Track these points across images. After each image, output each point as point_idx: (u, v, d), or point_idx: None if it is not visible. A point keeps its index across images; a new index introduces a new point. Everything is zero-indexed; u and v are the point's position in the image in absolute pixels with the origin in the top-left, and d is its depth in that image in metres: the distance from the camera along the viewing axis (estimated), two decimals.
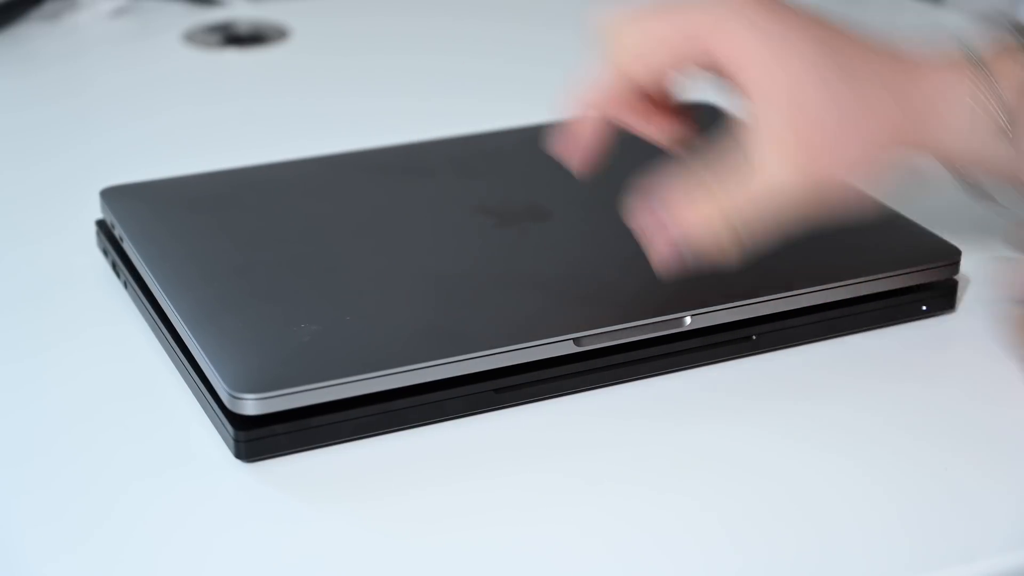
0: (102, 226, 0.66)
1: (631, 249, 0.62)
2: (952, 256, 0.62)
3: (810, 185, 0.54)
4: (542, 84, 0.90)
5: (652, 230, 0.55)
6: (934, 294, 0.62)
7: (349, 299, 0.58)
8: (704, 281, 0.59)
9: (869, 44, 0.55)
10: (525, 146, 0.72)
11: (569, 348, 0.56)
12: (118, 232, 0.63)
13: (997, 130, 0.55)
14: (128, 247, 0.62)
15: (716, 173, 0.54)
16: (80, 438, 0.54)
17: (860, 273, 0.61)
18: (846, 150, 0.54)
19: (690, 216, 0.54)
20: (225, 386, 0.52)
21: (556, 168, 0.71)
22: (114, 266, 0.64)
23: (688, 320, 0.57)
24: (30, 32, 0.96)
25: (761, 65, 0.53)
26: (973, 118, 0.55)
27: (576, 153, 0.58)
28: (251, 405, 0.52)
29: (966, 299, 0.64)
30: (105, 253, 0.66)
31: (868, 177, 0.55)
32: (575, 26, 1.01)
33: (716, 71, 0.54)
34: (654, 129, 0.58)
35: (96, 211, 0.66)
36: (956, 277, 0.63)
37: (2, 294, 0.65)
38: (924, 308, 0.62)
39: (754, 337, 0.59)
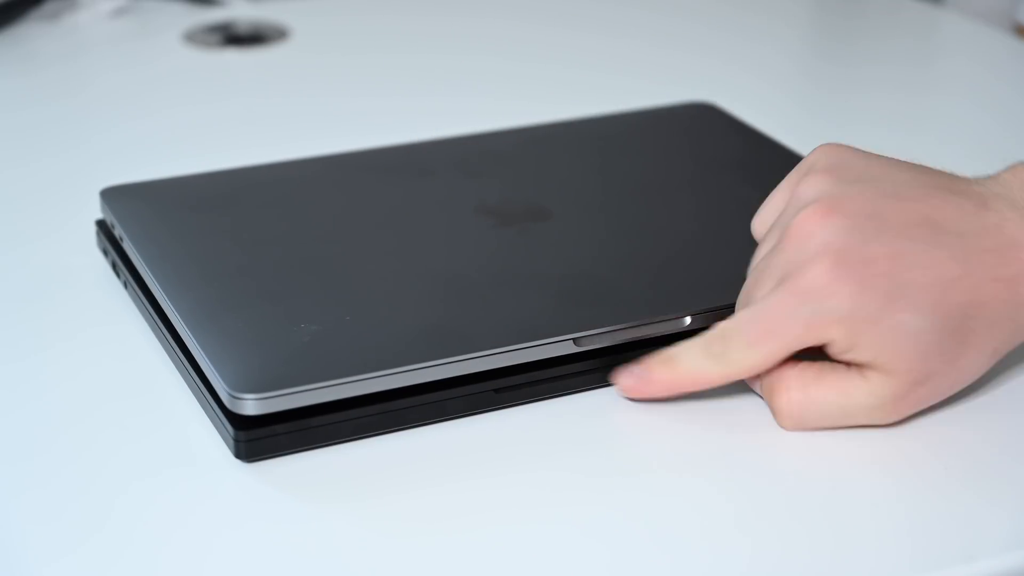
0: (102, 226, 0.66)
1: (631, 249, 0.62)
2: None
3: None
4: (543, 83, 0.91)
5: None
6: None
7: (349, 299, 0.58)
8: (705, 281, 0.59)
9: (983, 274, 0.53)
10: (525, 146, 0.72)
11: (569, 348, 0.56)
12: (118, 232, 0.63)
13: None
14: (128, 247, 0.62)
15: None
16: (80, 438, 0.54)
17: None
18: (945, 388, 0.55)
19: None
20: (225, 386, 0.52)
21: (556, 168, 0.71)
22: (114, 266, 0.64)
23: (688, 320, 0.57)
24: (30, 32, 0.96)
25: (887, 352, 0.53)
26: None
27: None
28: (251, 405, 0.52)
29: None
30: (105, 253, 0.66)
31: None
32: (575, 24, 1.01)
33: None
34: None
35: (96, 211, 0.66)
36: None
37: (2, 294, 0.65)
38: None
39: None
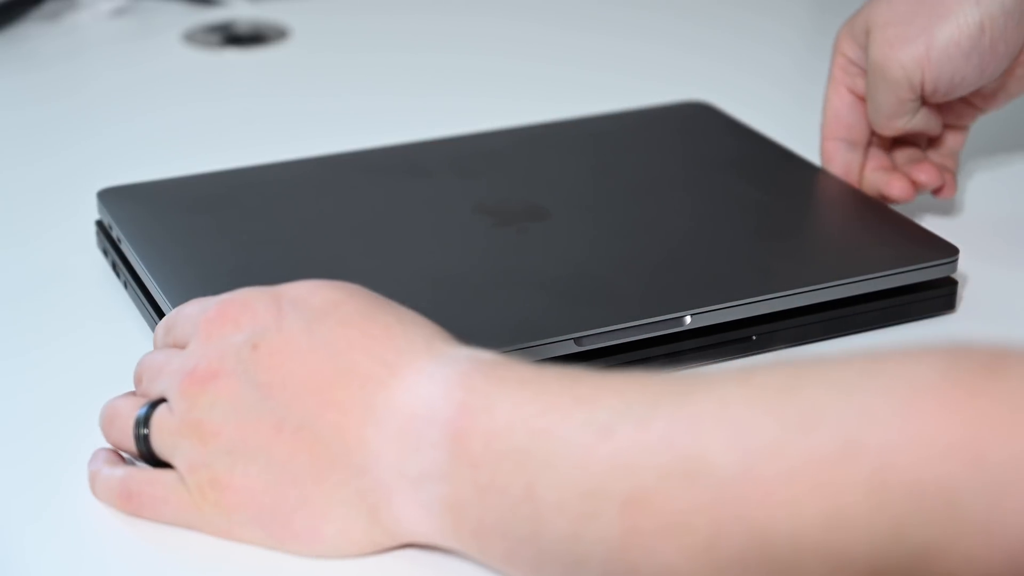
0: (101, 227, 0.66)
1: (631, 249, 0.62)
2: (950, 254, 0.62)
3: None
4: (540, 82, 0.91)
5: None
6: (933, 294, 0.62)
7: None
8: (704, 280, 0.59)
9: None
10: (523, 146, 0.72)
11: (569, 348, 0.56)
12: (115, 234, 0.63)
13: None
14: (126, 248, 0.62)
15: None
16: (79, 437, 0.54)
17: (857, 271, 0.61)
18: None
19: None
20: None
21: (554, 168, 0.71)
22: (114, 266, 0.64)
23: (688, 320, 0.58)
24: (30, 32, 0.96)
25: None
26: None
27: None
28: None
29: (966, 299, 0.64)
30: (105, 253, 0.66)
31: None
32: (572, 23, 1.01)
33: None
34: None
35: (96, 210, 0.66)
36: (955, 277, 0.63)
37: (2, 294, 0.65)
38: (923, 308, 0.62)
39: (754, 337, 0.59)
